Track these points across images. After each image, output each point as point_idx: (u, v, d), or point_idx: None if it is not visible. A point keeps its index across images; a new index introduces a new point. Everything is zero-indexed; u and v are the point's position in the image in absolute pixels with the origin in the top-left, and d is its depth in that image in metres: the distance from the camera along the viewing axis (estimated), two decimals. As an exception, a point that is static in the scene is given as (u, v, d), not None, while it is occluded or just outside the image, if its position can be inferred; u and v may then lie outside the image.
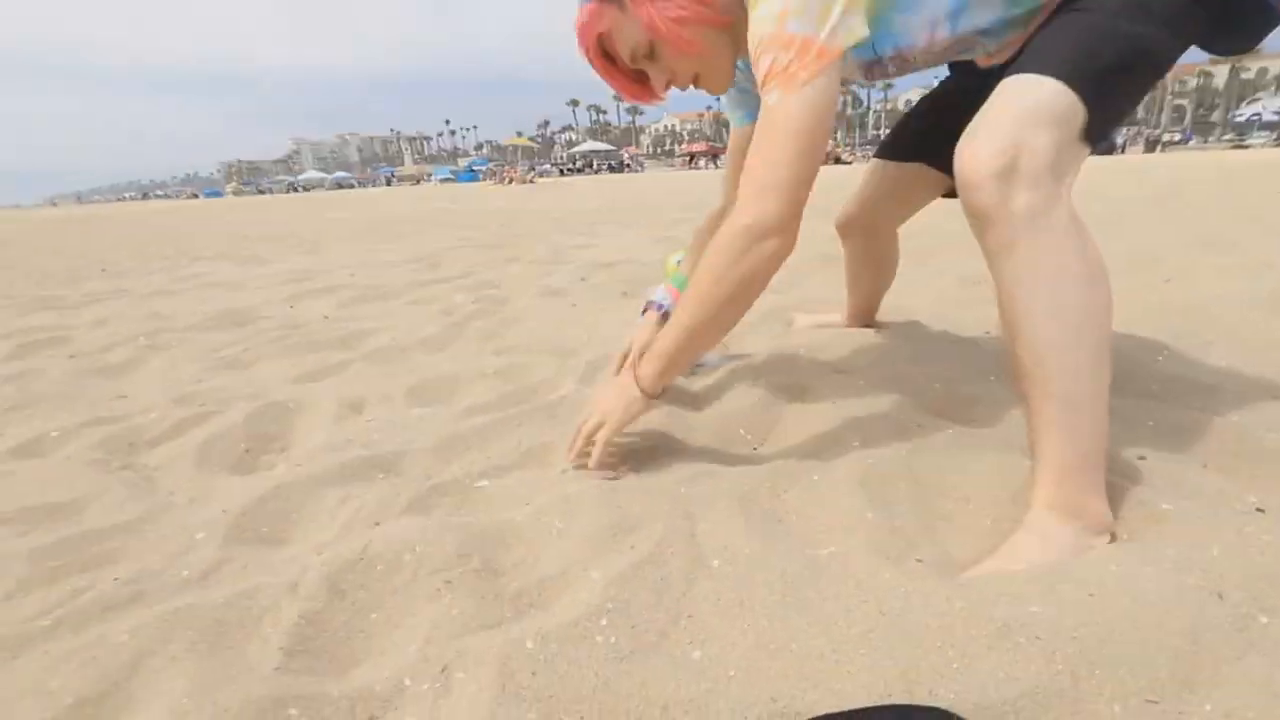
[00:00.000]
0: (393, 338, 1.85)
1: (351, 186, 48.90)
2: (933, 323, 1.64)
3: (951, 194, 1.18)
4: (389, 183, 47.46)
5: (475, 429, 1.14)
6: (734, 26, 0.86)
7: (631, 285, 2.49)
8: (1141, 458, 0.87)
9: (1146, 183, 6.26)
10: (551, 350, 1.64)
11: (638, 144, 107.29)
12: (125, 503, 0.96)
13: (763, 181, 0.78)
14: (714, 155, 41.36)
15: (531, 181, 22.77)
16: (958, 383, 1.12)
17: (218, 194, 57.64)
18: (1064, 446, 0.71)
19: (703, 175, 21.07)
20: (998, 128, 0.70)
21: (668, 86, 0.92)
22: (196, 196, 52.31)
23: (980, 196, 0.69)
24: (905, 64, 0.90)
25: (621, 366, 1.12)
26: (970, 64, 0.99)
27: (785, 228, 0.79)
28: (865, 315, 1.59)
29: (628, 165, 43.45)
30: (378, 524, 0.87)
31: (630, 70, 0.91)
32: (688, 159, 42.02)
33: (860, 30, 0.76)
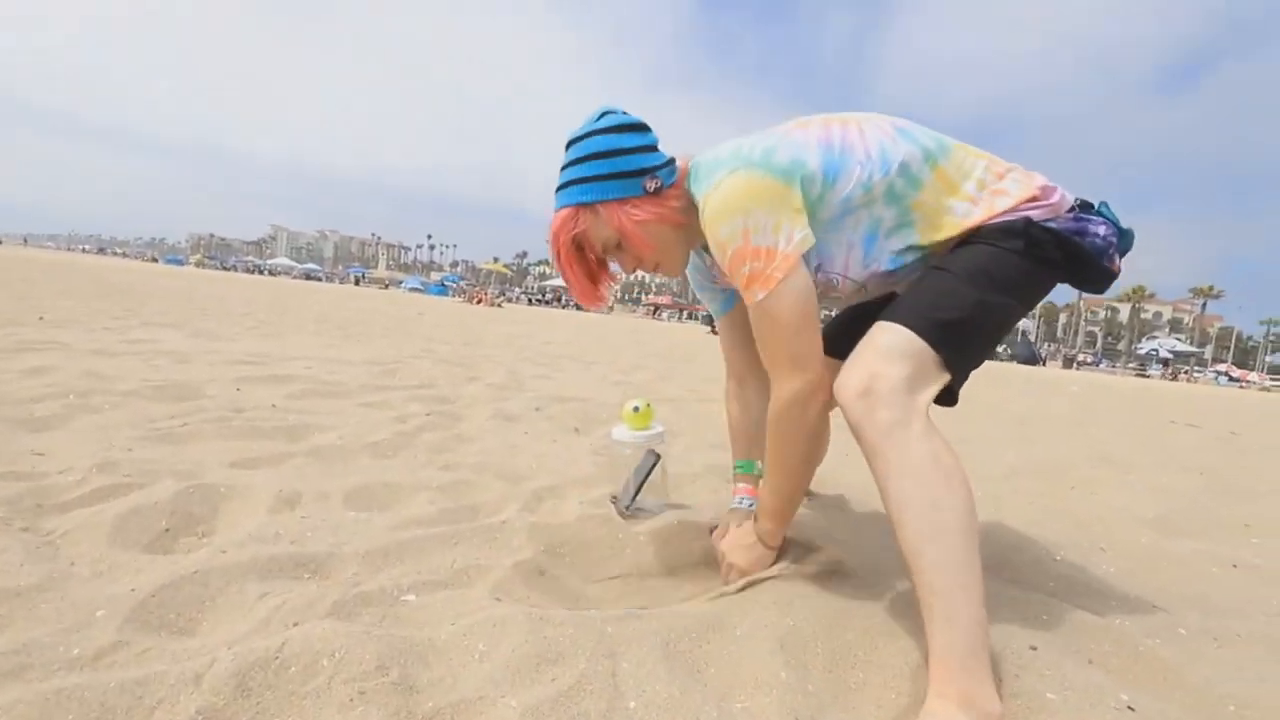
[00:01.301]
0: (340, 437, 1.85)
1: (319, 279, 49.20)
2: (863, 498, 1.75)
3: None
4: (358, 282, 48.06)
5: (410, 541, 1.15)
6: (688, 225, 1.04)
7: (584, 422, 2.56)
8: (1033, 648, 0.95)
9: (1063, 399, 6.98)
10: (499, 474, 1.67)
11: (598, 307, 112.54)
12: (21, 566, 0.91)
13: (787, 359, 0.94)
14: (678, 310, 43.92)
15: (499, 305, 23.48)
16: (880, 558, 1.21)
17: (179, 261, 56.85)
18: (948, 637, 0.78)
19: (664, 327, 22.20)
20: (860, 361, 0.87)
21: (634, 269, 1.08)
22: (156, 260, 51.31)
23: (849, 413, 0.85)
24: (830, 287, 1.07)
25: (721, 535, 1.22)
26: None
27: (820, 383, 0.95)
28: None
29: (595, 306, 45.49)
30: (296, 624, 0.85)
31: (595, 263, 1.05)
32: (652, 310, 44.34)
33: (809, 239, 0.93)
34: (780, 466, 1.02)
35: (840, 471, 2.04)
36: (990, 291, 0.91)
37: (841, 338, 1.13)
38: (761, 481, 1.08)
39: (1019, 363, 24.06)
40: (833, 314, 1.36)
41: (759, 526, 1.11)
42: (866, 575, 1.13)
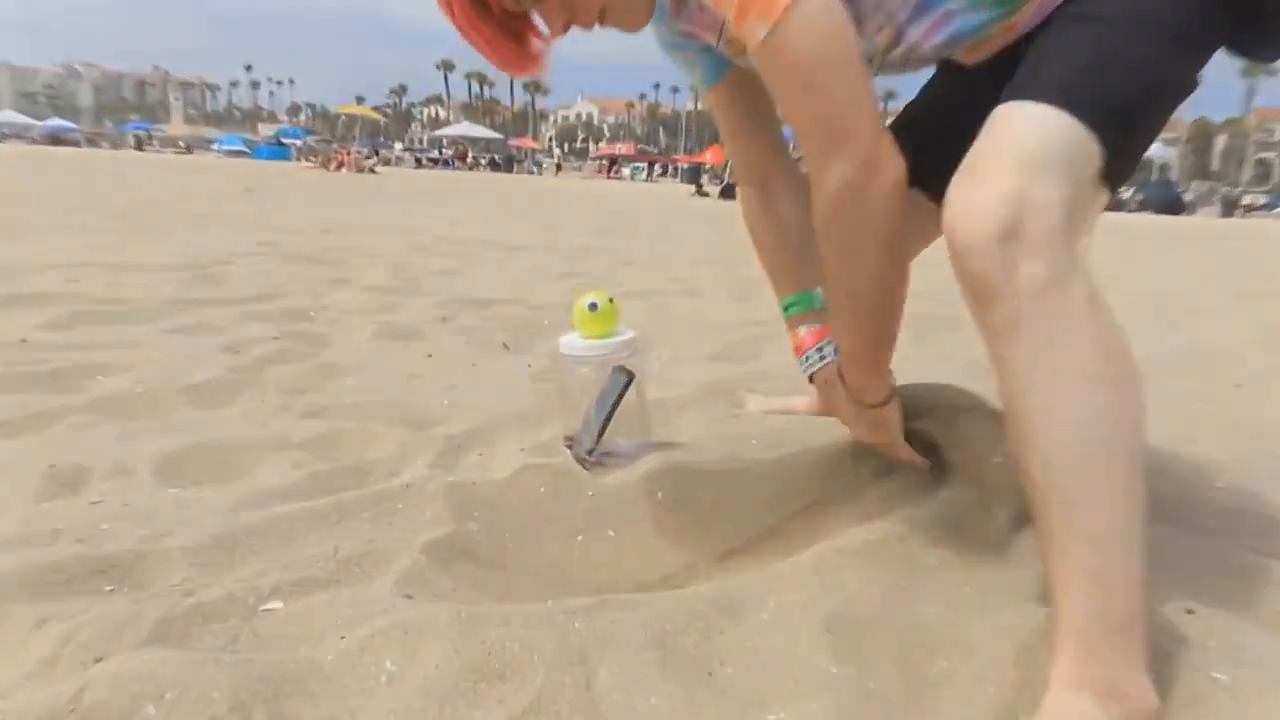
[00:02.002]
0: (139, 380, 1.81)
1: (75, 143, 46.67)
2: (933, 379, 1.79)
3: None
4: (140, 145, 45.57)
5: (266, 524, 1.14)
6: None
7: (517, 334, 2.56)
8: (1189, 611, 0.99)
9: (1221, 261, 7.20)
10: (393, 417, 1.66)
11: (536, 135, 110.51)
12: None
13: (823, 134, 0.92)
14: (646, 163, 43.21)
15: (371, 169, 22.80)
16: (957, 505, 1.24)
17: None
18: (1092, 603, 0.80)
19: (626, 189, 21.91)
20: (995, 176, 0.81)
21: (566, 28, 1.03)
22: None
23: (976, 264, 0.80)
24: (859, 21, 1.03)
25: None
26: (955, 64, 1.18)
27: (879, 156, 0.92)
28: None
29: (520, 162, 44.55)
30: (99, 659, 0.84)
31: (506, 19, 1.00)
32: (606, 164, 43.54)
33: None
34: (848, 295, 1.04)
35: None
36: (1171, 49, 0.90)
37: (927, 146, 1.10)
38: (830, 312, 1.12)
39: (1154, 210, 24.62)
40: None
41: (849, 383, 1.17)
42: (933, 523, 1.16)
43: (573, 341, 1.43)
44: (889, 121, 1.53)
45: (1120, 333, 0.83)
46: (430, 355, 2.23)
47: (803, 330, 1.38)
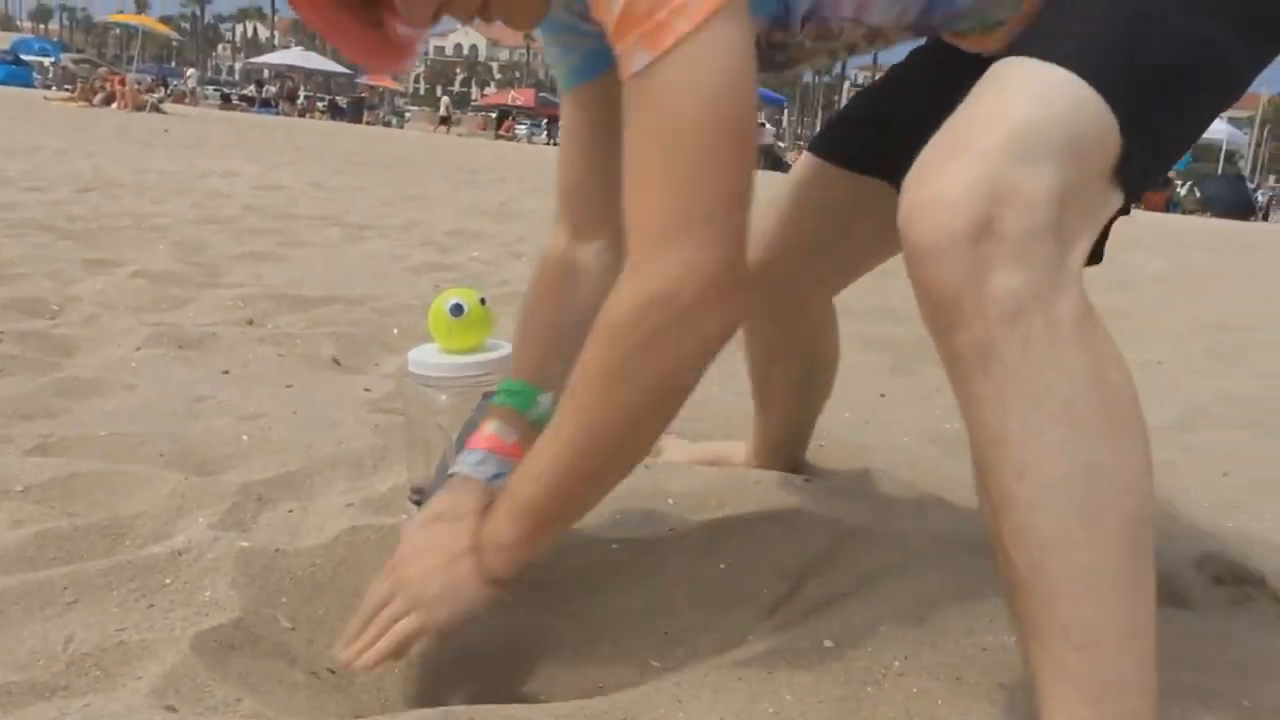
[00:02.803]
0: None
1: None
2: (903, 475, 1.85)
3: None
4: None
5: (-32, 604, 1.10)
6: None
7: (352, 346, 2.54)
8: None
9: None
10: (164, 457, 1.65)
11: (397, 73, 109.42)
12: None
13: (665, 218, 0.91)
14: (546, 119, 43.20)
15: (158, 108, 22.22)
16: (934, 599, 1.28)
17: None
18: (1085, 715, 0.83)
19: (524, 152, 21.87)
20: (970, 154, 0.83)
21: (436, 17, 1.03)
22: None
23: (937, 272, 0.83)
24: (827, 34, 1.10)
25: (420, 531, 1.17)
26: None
27: (724, 283, 0.91)
28: (783, 451, 1.77)
29: (372, 108, 44.04)
30: None
31: (362, 3, 1.00)
32: (495, 118, 43.40)
33: None
34: (590, 421, 0.99)
35: (838, 420, 2.14)
36: (1219, 25, 0.93)
37: (904, 126, 1.13)
38: (540, 437, 1.05)
39: (1219, 212, 25.84)
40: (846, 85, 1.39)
41: (491, 530, 1.07)
42: (899, 613, 1.20)
43: (428, 356, 1.42)
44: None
45: (1121, 365, 0.86)
46: (227, 372, 2.20)
47: (490, 429, 1.27)
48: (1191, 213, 26.28)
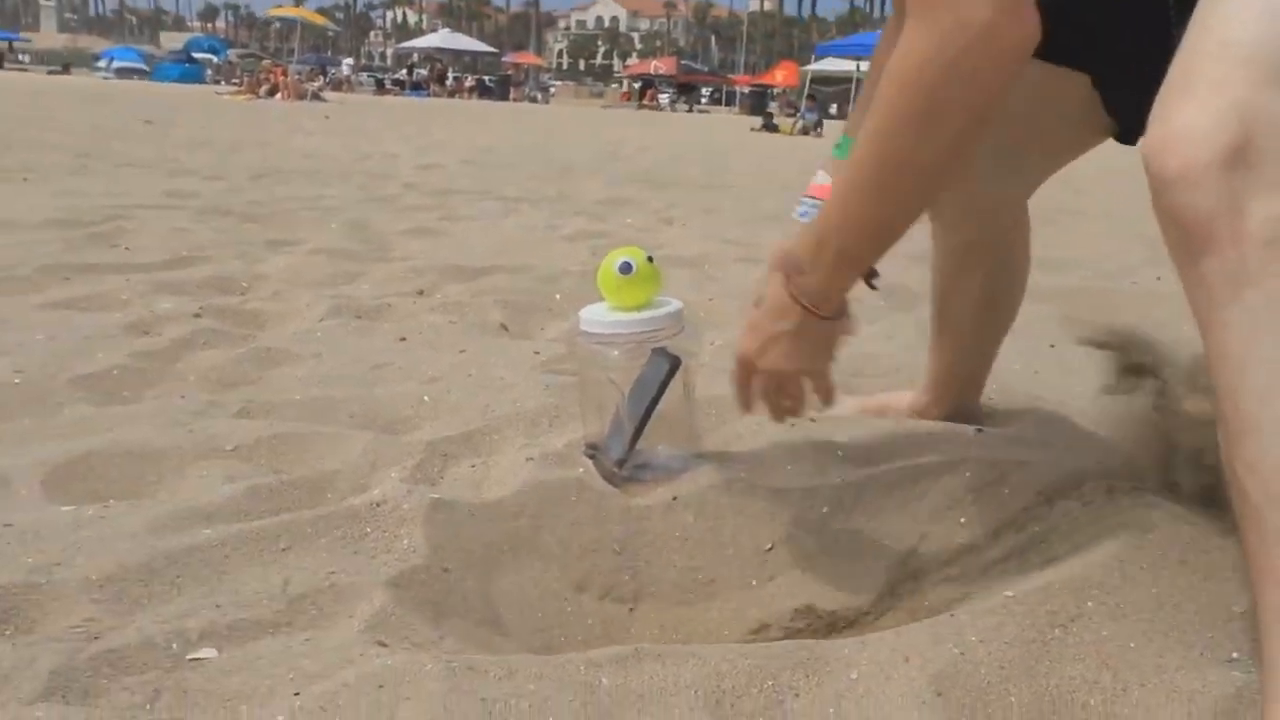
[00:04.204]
0: (15, 368, 1.87)
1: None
2: (1092, 422, 1.80)
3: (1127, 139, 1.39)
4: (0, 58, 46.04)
5: (192, 550, 1.18)
6: None
7: (518, 313, 2.60)
8: None
9: None
10: (355, 418, 1.71)
11: (541, 48, 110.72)
12: None
13: None
14: (689, 87, 42.92)
15: (318, 96, 23.02)
16: (1120, 546, 1.24)
17: None
18: None
19: (667, 120, 21.84)
20: (1217, 82, 0.82)
21: None
22: None
23: (1190, 198, 0.82)
24: None
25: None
26: None
27: (1008, 7, 0.95)
28: (959, 391, 1.75)
29: (518, 85, 44.62)
30: (-14, 720, 0.89)
31: None
32: (638, 89, 43.48)
33: None
34: (893, 163, 1.05)
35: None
36: None
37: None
38: (842, 181, 1.13)
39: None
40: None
41: (801, 279, 1.16)
42: (1090, 563, 1.17)
43: (598, 315, 1.43)
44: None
45: None
46: (404, 339, 2.27)
47: (818, 178, 1.41)
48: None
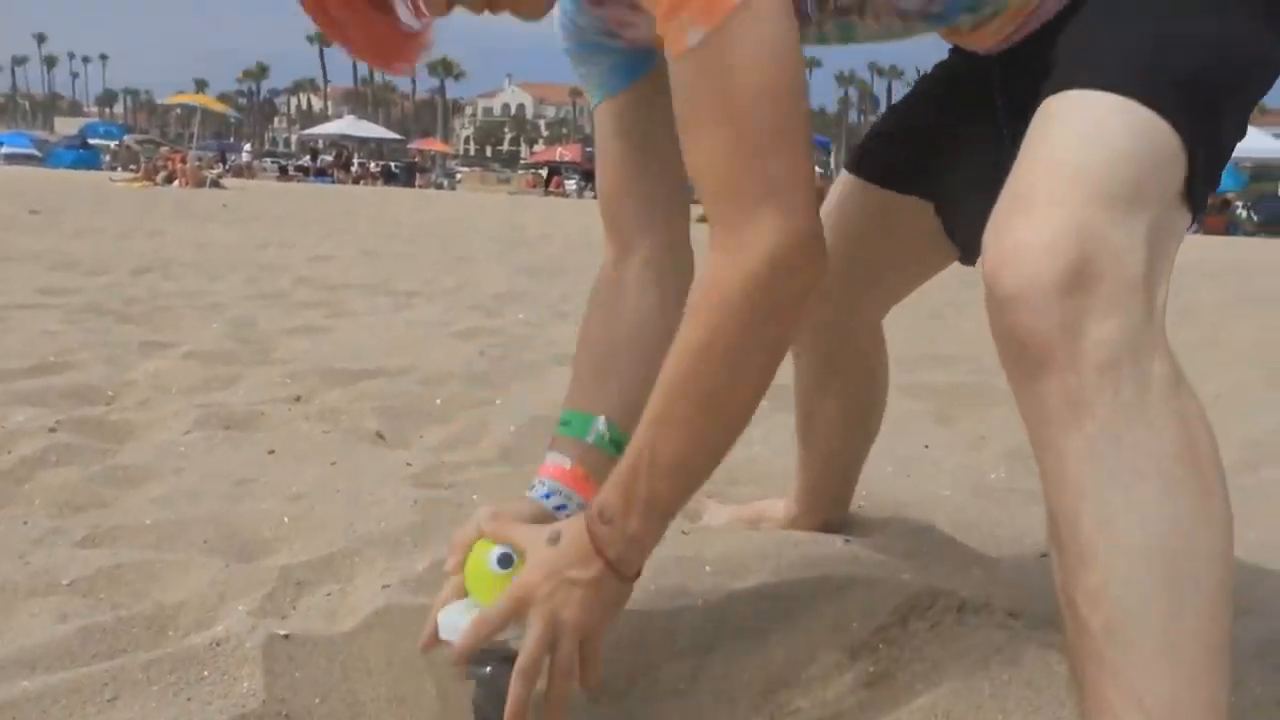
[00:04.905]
0: None
1: None
2: (959, 530, 1.83)
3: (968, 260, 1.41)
4: None
5: (9, 704, 1.13)
6: None
7: (396, 419, 2.57)
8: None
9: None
10: (208, 543, 1.67)
11: (448, 135, 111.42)
12: None
13: (744, 190, 0.95)
14: (592, 174, 43.49)
15: (217, 183, 22.80)
16: (975, 667, 1.25)
17: None
18: None
19: (568, 207, 22.09)
20: (1055, 203, 0.84)
21: (449, 7, 1.05)
22: None
23: (1029, 321, 0.83)
24: (845, 10, 1.13)
25: (464, 565, 1.15)
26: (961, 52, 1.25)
27: (806, 246, 0.96)
28: (825, 500, 1.76)
29: (424, 171, 44.77)
30: None
31: None
32: (545, 175, 43.95)
33: None
34: (708, 400, 1.01)
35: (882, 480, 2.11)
36: (1235, 18, 0.96)
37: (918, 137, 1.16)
38: (640, 433, 1.05)
39: (1271, 231, 25.36)
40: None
41: (608, 528, 1.04)
42: (954, 697, 1.17)
43: (458, 614, 1.13)
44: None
45: (1208, 430, 0.85)
46: (272, 452, 2.23)
47: (553, 460, 1.27)
48: (1252, 234, 25.81)
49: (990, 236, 0.88)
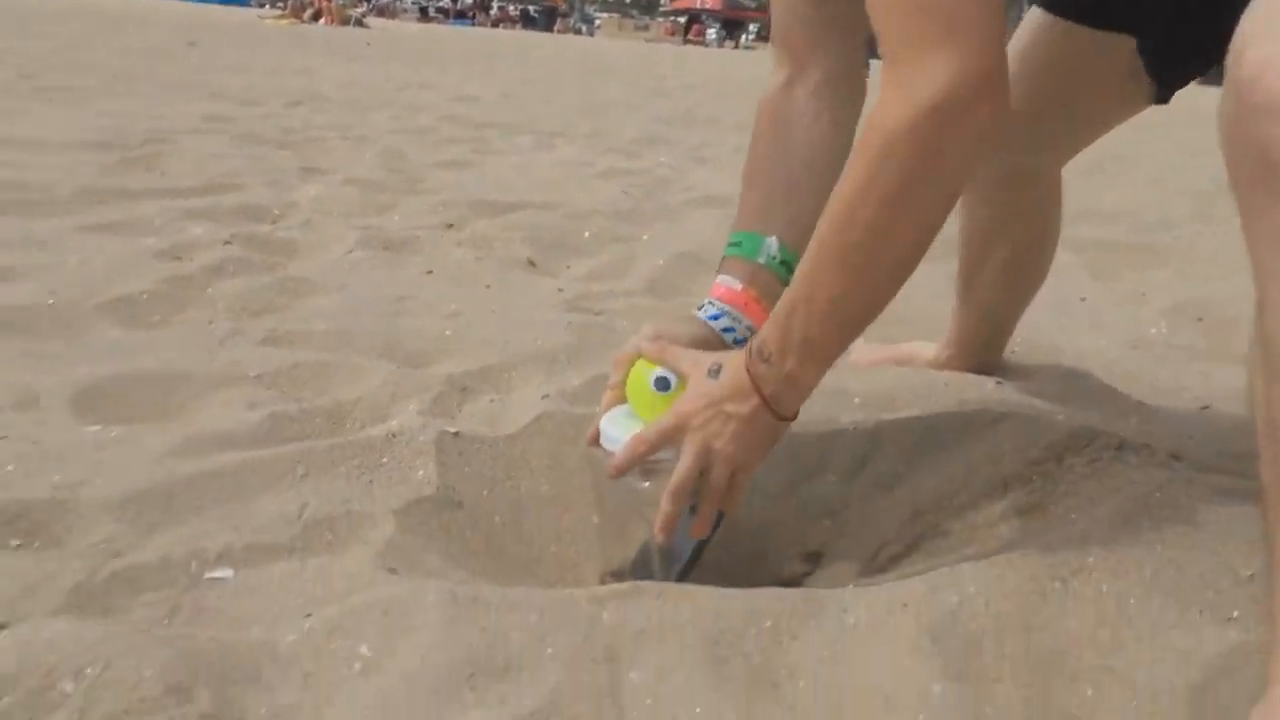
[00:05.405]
0: (48, 290, 1.90)
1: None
2: (1115, 380, 1.80)
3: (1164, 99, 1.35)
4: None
5: (213, 474, 1.22)
6: None
7: (546, 250, 2.61)
8: None
9: None
10: (377, 349, 1.74)
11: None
12: None
13: (926, 25, 0.92)
14: (733, 23, 42.26)
15: (361, 22, 22.92)
16: (1133, 502, 1.25)
17: None
18: None
19: (713, 58, 21.59)
20: None
21: None
22: None
23: None
24: None
25: (625, 382, 1.18)
26: None
27: (984, 86, 0.92)
28: (979, 346, 1.75)
29: (563, 17, 44.24)
30: (3, 626, 0.92)
31: None
32: (684, 24, 42.94)
33: None
34: (865, 241, 0.98)
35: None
36: None
37: None
38: (802, 270, 1.03)
39: None
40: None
41: (765, 366, 1.04)
42: (1119, 514, 1.18)
43: (625, 430, 1.16)
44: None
45: None
46: (430, 272, 2.29)
47: (723, 281, 1.26)
48: None
49: (1246, 41, 0.80)
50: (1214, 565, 1.07)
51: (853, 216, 0.98)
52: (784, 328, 1.03)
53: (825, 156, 1.28)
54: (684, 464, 1.08)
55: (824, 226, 1.01)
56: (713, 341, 1.21)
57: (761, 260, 1.24)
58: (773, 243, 1.24)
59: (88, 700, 0.81)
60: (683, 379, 1.15)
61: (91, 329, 1.76)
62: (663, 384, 1.16)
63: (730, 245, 1.28)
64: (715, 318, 1.23)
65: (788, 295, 1.04)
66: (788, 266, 1.23)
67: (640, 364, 1.18)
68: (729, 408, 1.07)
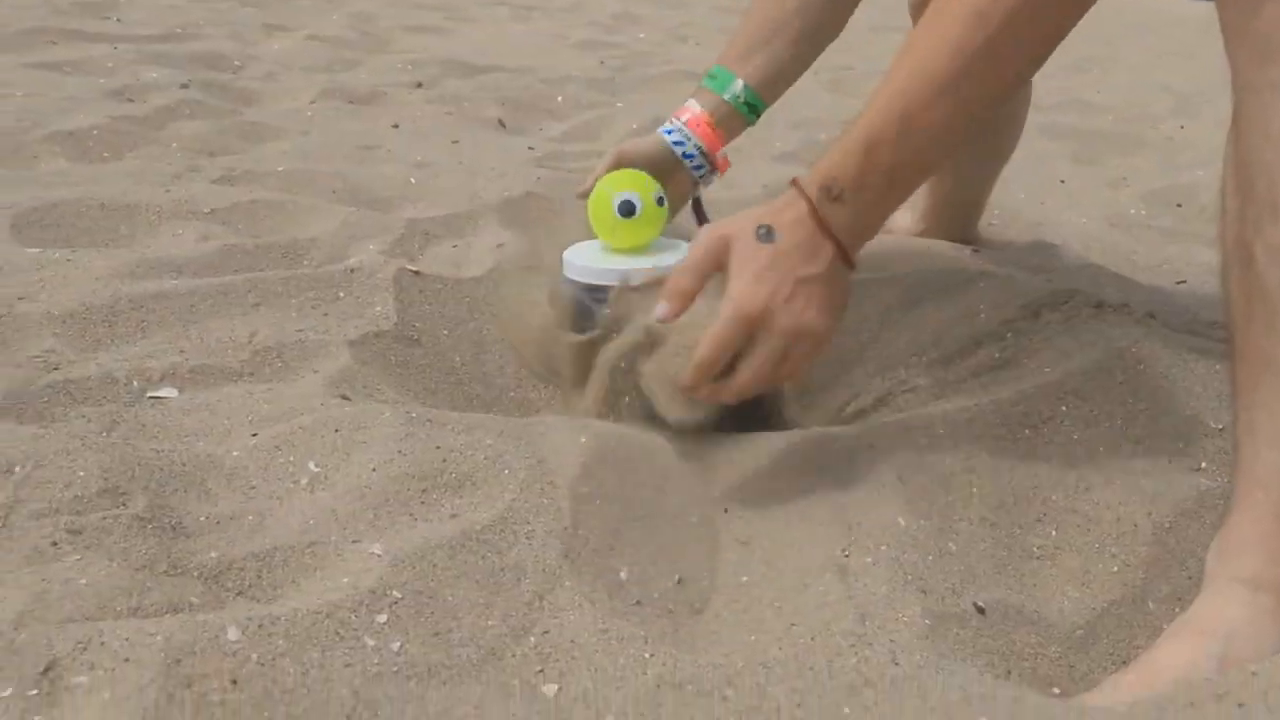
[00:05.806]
0: (13, 119, 1.86)
1: None
2: (1093, 254, 1.78)
3: None
4: None
5: (159, 297, 1.19)
6: None
7: (517, 110, 2.56)
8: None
9: None
10: (338, 192, 1.70)
11: None
12: None
13: None
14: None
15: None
16: (1100, 363, 1.23)
17: None
18: None
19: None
20: None
21: None
22: None
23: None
24: None
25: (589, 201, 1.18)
26: None
27: None
28: (956, 217, 1.73)
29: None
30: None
31: None
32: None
33: None
34: (979, 80, 0.91)
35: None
36: None
37: None
38: (873, 104, 0.93)
39: None
40: None
41: (836, 205, 0.94)
42: (1068, 375, 1.16)
43: (588, 257, 1.17)
44: None
45: None
46: (396, 126, 2.25)
47: (688, 105, 1.33)
48: None
49: None
50: (1185, 417, 1.07)
51: (969, 37, 0.89)
52: (867, 154, 0.93)
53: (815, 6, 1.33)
54: (763, 356, 0.94)
55: (925, 40, 0.93)
56: (669, 159, 1.33)
57: (726, 97, 1.35)
58: (739, 84, 1.34)
59: (15, 498, 0.79)
60: (650, 203, 1.15)
61: (37, 160, 1.72)
62: (627, 208, 1.13)
63: (706, 76, 1.37)
64: (669, 132, 1.34)
65: (866, 124, 0.93)
66: (750, 108, 1.36)
67: (604, 185, 1.16)
68: (802, 272, 0.94)
